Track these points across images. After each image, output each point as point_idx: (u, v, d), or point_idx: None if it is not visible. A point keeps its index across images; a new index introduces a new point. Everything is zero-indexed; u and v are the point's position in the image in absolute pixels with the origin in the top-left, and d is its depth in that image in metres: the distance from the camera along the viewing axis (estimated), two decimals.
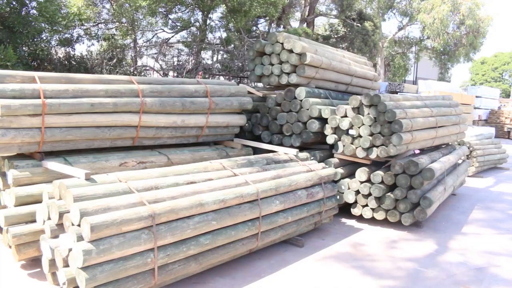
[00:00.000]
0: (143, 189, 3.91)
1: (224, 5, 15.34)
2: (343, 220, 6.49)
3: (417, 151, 7.56)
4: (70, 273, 3.44)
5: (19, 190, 4.38)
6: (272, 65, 7.28)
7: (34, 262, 4.47)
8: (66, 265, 3.50)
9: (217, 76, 15.71)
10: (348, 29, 20.18)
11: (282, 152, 6.12)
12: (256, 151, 6.59)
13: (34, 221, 4.24)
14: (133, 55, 15.29)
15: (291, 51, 7.00)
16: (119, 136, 5.44)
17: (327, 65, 7.40)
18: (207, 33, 16.40)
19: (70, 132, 4.96)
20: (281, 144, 6.83)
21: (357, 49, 19.74)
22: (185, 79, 6.43)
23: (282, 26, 19.41)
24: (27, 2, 9.41)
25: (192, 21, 16.53)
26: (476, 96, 24.04)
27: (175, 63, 16.24)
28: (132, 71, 14.14)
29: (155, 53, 16.98)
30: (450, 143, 8.62)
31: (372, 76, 9.15)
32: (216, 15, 17.03)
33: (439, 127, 7.22)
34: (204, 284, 4.16)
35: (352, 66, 8.39)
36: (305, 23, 20.04)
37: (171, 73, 16.10)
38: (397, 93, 20.25)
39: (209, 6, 15.55)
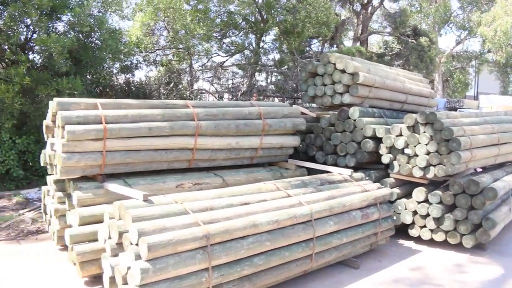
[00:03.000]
0: (198, 210, 4.02)
1: (277, 27, 15.56)
2: (401, 241, 6.31)
3: (479, 170, 7.27)
4: None
5: (83, 211, 4.62)
6: (325, 85, 7.30)
7: (96, 279, 4.66)
8: (125, 282, 3.64)
9: (271, 98, 15.87)
10: (403, 45, 19.87)
11: (337, 172, 6.09)
12: (311, 171, 6.58)
13: (97, 240, 4.45)
14: (189, 79, 15.75)
15: (343, 71, 7.00)
16: (176, 159, 5.62)
17: (380, 83, 7.33)
18: (261, 55, 16.64)
19: (129, 155, 5.19)
20: (335, 165, 6.78)
21: (413, 66, 19.35)
22: (239, 102, 6.58)
23: (335, 46, 19.40)
24: (92, 35, 9.99)
25: (246, 44, 16.87)
26: None
27: (230, 86, 16.58)
28: (188, 94, 14.57)
29: (210, 77, 17.42)
30: None
31: (429, 93, 8.94)
32: (269, 37, 17.29)
33: (501, 144, 6.92)
34: None
35: (406, 84, 8.25)
36: (359, 41, 19.93)
37: (226, 95, 16.44)
38: (456, 110, 19.61)
39: (262, 29, 15.83)
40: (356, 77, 6.89)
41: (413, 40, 19.38)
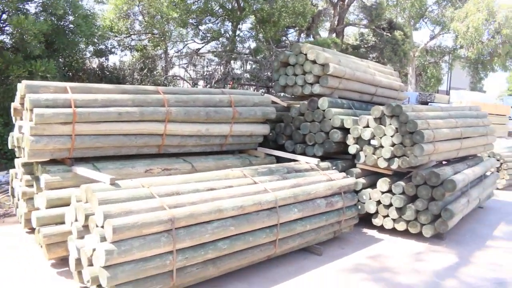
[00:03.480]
0: (164, 194, 4.09)
1: (253, 16, 15.57)
2: (364, 230, 6.52)
3: (444, 162, 7.52)
4: (94, 271, 3.64)
5: (50, 193, 4.64)
6: (296, 75, 7.42)
7: (63, 262, 4.69)
8: (91, 264, 3.71)
9: (246, 86, 15.92)
10: (378, 38, 20.13)
11: (304, 161, 6.23)
12: (279, 160, 6.71)
13: (64, 222, 4.48)
14: (163, 65, 15.66)
15: (314, 61, 7.12)
16: (145, 144, 5.67)
17: (350, 75, 7.48)
18: (237, 43, 16.65)
19: (98, 140, 5.21)
20: (304, 154, 6.92)
21: (387, 59, 19.65)
22: (210, 89, 6.64)
23: (311, 36, 19.52)
24: (65, 18, 9.85)
25: (222, 32, 16.84)
26: None
27: (205, 73, 16.55)
28: (162, 80, 14.50)
29: (186, 63, 17.36)
30: (478, 155, 8.52)
31: (398, 86, 9.15)
32: (245, 25, 17.30)
33: (464, 138, 7.17)
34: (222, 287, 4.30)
35: (376, 77, 8.43)
36: (335, 33, 20.10)
37: (200, 82, 16.42)
38: (427, 103, 20.01)
39: (238, 17, 15.82)
40: (326, 68, 7.02)
41: (388, 34, 19.66)
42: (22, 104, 5.32)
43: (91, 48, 12.79)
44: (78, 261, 3.95)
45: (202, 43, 17.23)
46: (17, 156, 5.81)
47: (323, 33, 21.50)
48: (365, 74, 8.06)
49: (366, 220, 6.53)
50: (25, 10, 9.24)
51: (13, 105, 5.58)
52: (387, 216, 6.22)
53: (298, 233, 5.00)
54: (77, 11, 9.87)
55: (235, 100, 6.43)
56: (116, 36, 14.09)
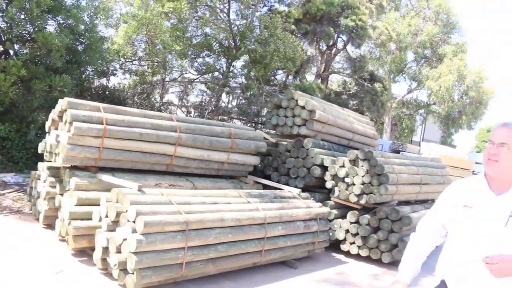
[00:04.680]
0: (179, 202, 5.12)
1: (247, 55, 16.89)
2: (333, 254, 7.59)
3: (405, 203, 8.69)
4: (122, 257, 4.61)
5: (80, 194, 5.62)
6: (286, 117, 8.59)
7: (81, 253, 5.63)
8: (119, 251, 4.68)
9: (234, 120, 17.07)
10: (359, 87, 21.68)
11: (287, 190, 7.33)
12: (265, 187, 7.78)
13: (89, 219, 5.44)
14: (160, 91, 16.76)
15: (303, 107, 8.32)
16: (157, 162, 6.70)
17: (332, 122, 8.69)
18: (229, 78, 17.89)
19: (121, 154, 6.23)
20: (287, 184, 8.02)
21: (366, 107, 21.17)
22: (212, 121, 7.74)
23: (298, 79, 20.94)
24: (82, 37, 10.91)
25: (217, 67, 18.10)
26: (476, 162, 25.20)
27: (197, 103, 17.69)
28: (158, 106, 15.56)
29: (179, 91, 18.50)
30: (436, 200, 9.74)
31: (372, 134, 10.43)
32: (239, 63, 18.57)
33: (423, 184, 8.40)
34: (216, 284, 5.30)
35: (354, 125, 9.69)
36: (320, 78, 21.59)
37: (192, 111, 17.53)
38: (399, 152, 21.48)
39: (233, 55, 17.12)
40: (313, 114, 8.22)
41: (369, 84, 21.23)
42: (59, 116, 6.33)
43: (92, 68, 13.79)
44: (105, 249, 4.90)
45: (197, 75, 18.42)
46: (46, 160, 6.75)
47: (309, 77, 23.03)
48: (345, 122, 9.29)
49: (335, 246, 7.61)
50: (48, 25, 10.28)
51: (51, 116, 6.57)
52: (354, 243, 7.33)
53: (280, 247, 6.06)
54: (94, 30, 10.95)
55: (233, 133, 7.54)
56: (120, 60, 15.15)
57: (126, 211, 4.74)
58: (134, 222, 4.57)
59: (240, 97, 18.02)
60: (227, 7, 17.50)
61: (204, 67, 18.25)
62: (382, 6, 22.56)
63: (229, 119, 16.49)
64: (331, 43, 20.96)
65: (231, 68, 17.91)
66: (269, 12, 20.13)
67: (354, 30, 19.15)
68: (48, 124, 6.66)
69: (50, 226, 6.66)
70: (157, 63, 16.36)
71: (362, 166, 7.36)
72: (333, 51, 21.29)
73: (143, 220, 4.44)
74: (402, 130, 31.92)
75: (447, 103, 24.24)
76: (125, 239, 4.59)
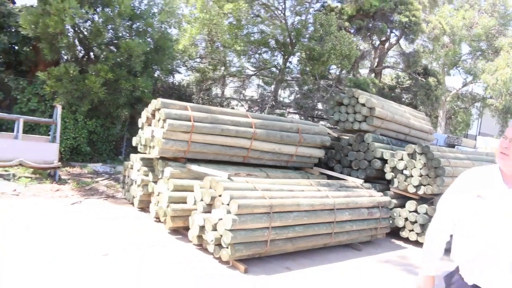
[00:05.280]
0: (263, 189, 5.97)
1: (303, 52, 17.56)
2: (393, 240, 8.25)
3: None
4: (217, 234, 5.50)
5: (176, 181, 6.58)
6: (348, 113, 9.28)
7: (175, 232, 6.60)
8: (214, 229, 5.57)
9: (291, 114, 17.84)
10: (413, 82, 21.82)
11: (351, 180, 8.05)
12: (330, 178, 8.53)
13: (183, 202, 6.39)
14: (221, 87, 17.76)
15: (363, 104, 8.98)
16: (235, 154, 7.59)
17: (391, 118, 9.31)
18: (286, 74, 18.63)
19: (205, 147, 7.16)
20: (349, 175, 8.72)
21: (420, 101, 21.34)
22: (282, 117, 8.55)
23: (352, 74, 21.40)
24: (155, 43, 12.00)
25: (273, 62, 18.89)
26: None
27: (254, 97, 18.58)
28: (220, 101, 16.56)
29: (238, 87, 19.45)
30: None
31: (428, 129, 10.93)
32: (295, 58, 19.26)
33: None
34: (293, 261, 6.11)
35: (411, 120, 10.24)
36: (373, 73, 21.94)
37: (251, 105, 18.44)
38: (454, 146, 21.54)
39: (290, 52, 17.86)
40: (373, 111, 8.87)
41: (423, 79, 21.35)
42: (152, 114, 7.32)
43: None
44: (201, 228, 5.81)
45: (254, 70, 19.28)
46: (140, 151, 7.78)
47: (362, 71, 23.41)
48: (402, 118, 9.87)
49: (395, 233, 8.27)
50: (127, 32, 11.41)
51: (145, 113, 7.57)
52: (412, 230, 7.97)
53: (346, 231, 6.81)
54: (166, 35, 12.01)
55: (301, 128, 8.33)
56: (183, 58, 16.22)
57: (220, 195, 5.62)
58: (228, 204, 5.45)
59: (296, 92, 18.72)
60: (282, 5, 18.23)
61: (260, 63, 19.07)
62: (436, 0, 22.61)
63: (287, 114, 17.26)
64: (384, 38, 21.26)
65: (288, 64, 18.62)
66: (322, 8, 20.67)
67: (407, 26, 19.39)
68: (142, 121, 7.67)
69: (143, 209, 7.71)
70: (217, 61, 17.35)
71: (420, 159, 7.96)
72: (386, 46, 21.56)
73: (237, 203, 5.30)
74: (457, 124, 31.60)
75: (505, 96, 23.98)
76: (220, 219, 5.48)
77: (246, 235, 5.43)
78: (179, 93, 15.19)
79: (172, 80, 16.44)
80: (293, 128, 8.23)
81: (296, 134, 8.20)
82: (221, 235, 5.44)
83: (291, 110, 17.85)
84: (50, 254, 5.03)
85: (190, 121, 6.95)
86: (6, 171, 9.08)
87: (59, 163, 9.20)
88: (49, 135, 10.08)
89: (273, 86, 19.83)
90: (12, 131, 9.73)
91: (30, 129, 10.84)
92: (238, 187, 5.78)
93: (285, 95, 20.38)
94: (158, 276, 4.85)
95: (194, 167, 6.85)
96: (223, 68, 17.54)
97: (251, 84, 20.61)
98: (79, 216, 6.83)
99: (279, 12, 18.45)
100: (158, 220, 7.09)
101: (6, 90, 11.10)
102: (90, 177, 9.86)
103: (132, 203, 7.93)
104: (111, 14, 10.48)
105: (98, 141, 11.49)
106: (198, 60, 17.99)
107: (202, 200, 5.92)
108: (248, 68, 19.42)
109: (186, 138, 6.94)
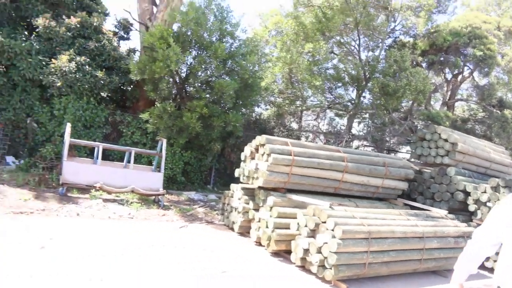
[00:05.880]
0: (360, 217, 6.71)
1: (377, 87, 18.23)
2: (478, 269, 8.62)
3: None
4: (321, 256, 6.28)
5: (279, 209, 7.46)
6: (430, 148, 9.86)
7: (276, 255, 7.43)
8: (318, 252, 6.36)
9: (364, 147, 18.44)
10: (487, 114, 21.76)
11: (435, 211, 8.60)
12: (413, 209, 9.09)
13: (285, 228, 7.24)
14: (298, 120, 18.72)
15: (446, 140, 9.54)
16: (328, 185, 8.39)
17: (472, 152, 9.78)
18: (359, 107, 19.33)
19: (303, 179, 8.02)
20: (431, 206, 9.25)
21: (495, 134, 21.20)
22: (369, 152, 9.28)
23: (424, 106, 21.73)
24: (245, 82, 13.16)
25: (347, 97, 19.67)
26: None
27: (328, 130, 19.39)
28: (297, 135, 17.50)
29: (313, 119, 20.35)
30: None
31: (508, 163, 11.23)
32: (367, 92, 19.94)
33: None
34: (386, 284, 6.76)
35: (491, 155, 10.63)
36: (446, 106, 22.12)
37: (322, 138, 19.25)
38: None
39: (363, 86, 18.59)
40: (455, 146, 9.40)
41: (498, 111, 21.27)
42: (255, 149, 8.30)
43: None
44: (305, 251, 6.61)
45: (329, 104, 20.13)
46: (242, 181, 8.76)
47: (434, 103, 23.62)
48: (483, 152, 10.30)
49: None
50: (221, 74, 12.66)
51: (249, 148, 8.54)
52: (496, 261, 8.32)
53: (434, 258, 7.37)
54: (256, 74, 13.14)
55: (387, 162, 9.02)
56: (265, 95, 17.38)
57: (324, 222, 6.43)
58: (332, 230, 6.24)
59: (369, 125, 19.33)
60: (357, 42, 19.10)
61: (334, 97, 19.90)
62: (511, 32, 22.59)
63: (363, 147, 17.88)
64: (456, 72, 21.50)
65: (361, 99, 19.33)
66: (394, 43, 21.31)
67: (481, 59, 19.59)
68: (245, 154, 8.67)
69: (242, 234, 8.62)
70: (294, 95, 18.38)
71: (503, 192, 8.39)
72: (459, 79, 21.76)
73: (341, 229, 6.09)
74: None
75: None
76: (325, 243, 6.27)
77: (348, 257, 6.18)
78: (260, 127, 16.25)
79: (254, 114, 17.58)
80: (380, 162, 8.94)
81: (382, 168, 8.90)
82: (325, 257, 6.22)
83: (364, 142, 18.44)
84: (188, 268, 6.03)
85: (290, 155, 7.86)
86: (117, 196, 10.36)
87: (164, 190, 10.39)
88: (150, 165, 11.36)
89: (345, 119, 20.56)
90: (118, 160, 11.09)
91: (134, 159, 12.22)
92: (340, 215, 6.56)
93: (358, 128, 21.01)
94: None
95: (295, 197, 7.72)
96: (298, 102, 18.51)
97: (324, 117, 21.45)
98: (190, 237, 7.85)
99: (353, 48, 19.33)
100: (258, 243, 7.96)
101: (114, 124, 12.59)
102: (188, 204, 10.97)
103: (232, 228, 8.87)
104: (207, 57, 11.76)
105: (191, 171, 12.68)
106: (275, 95, 19.09)
107: (306, 226, 6.75)
108: (322, 103, 20.31)
109: (286, 170, 7.84)
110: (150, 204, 10.18)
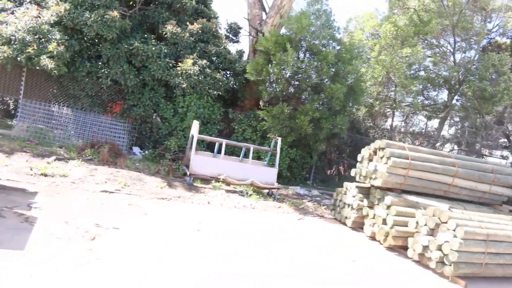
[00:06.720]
0: (476, 220, 7.34)
1: (471, 91, 18.27)
2: None
3: None
4: (441, 253, 6.99)
5: (397, 208, 8.22)
6: None
7: (391, 249, 8.19)
8: (438, 249, 7.07)
9: (459, 151, 18.57)
10: None
11: None
12: None
13: (402, 225, 7.99)
14: (390, 121, 19.18)
15: None
16: (438, 188, 9.02)
17: None
18: (450, 110, 19.43)
19: (417, 181, 8.71)
20: None
21: None
22: (478, 158, 9.76)
23: None
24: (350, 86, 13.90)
25: (439, 99, 19.81)
26: None
27: (419, 131, 19.69)
28: (389, 136, 17.99)
29: (402, 120, 20.70)
30: None
31: None
32: (458, 95, 19.96)
33: None
34: (500, 285, 7.34)
35: None
36: None
37: (408, 138, 19.58)
38: None
39: (456, 89, 18.68)
40: None
41: None
42: (374, 152, 9.08)
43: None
44: (425, 247, 7.33)
45: (423, 107, 20.36)
46: (357, 181, 9.59)
47: None
48: None
49: None
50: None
51: (367, 151, 9.32)
52: None
53: None
54: (361, 78, 13.85)
55: (495, 169, 9.48)
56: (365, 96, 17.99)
57: (445, 222, 7.13)
58: (454, 230, 6.93)
59: (461, 128, 19.40)
60: (452, 45, 19.18)
61: (426, 99, 20.10)
62: None
63: (459, 150, 18.06)
64: None
65: (453, 101, 19.41)
66: (488, 44, 21.08)
67: None
68: (363, 156, 9.46)
69: (354, 228, 9.44)
70: (386, 97, 18.84)
71: None
72: None
73: (463, 230, 6.78)
74: None
75: None
76: (446, 241, 6.98)
77: (468, 256, 6.85)
78: (356, 127, 16.94)
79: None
80: (488, 168, 9.43)
81: (491, 174, 9.38)
82: (445, 254, 6.93)
83: (455, 147, 18.58)
84: (327, 252, 7.00)
85: (407, 159, 8.58)
86: (235, 188, 11.51)
87: (279, 185, 11.43)
88: (258, 160, 12.46)
89: (435, 121, 20.71)
90: (228, 155, 12.21)
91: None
92: (459, 217, 7.24)
93: (449, 131, 21.08)
94: (396, 280, 6.54)
95: (410, 197, 8.45)
96: (391, 103, 18.94)
97: (414, 119, 21.69)
98: (313, 229, 8.81)
99: (446, 49, 19.43)
100: (371, 238, 8.76)
101: (227, 121, 13.80)
102: (296, 198, 11.96)
103: (344, 223, 9.72)
104: (318, 62, 12.62)
105: (295, 167, 13.66)
106: (373, 97, 19.61)
107: (425, 225, 7.47)
108: (414, 105, 20.55)
109: (403, 173, 8.57)
110: (266, 197, 11.22)
